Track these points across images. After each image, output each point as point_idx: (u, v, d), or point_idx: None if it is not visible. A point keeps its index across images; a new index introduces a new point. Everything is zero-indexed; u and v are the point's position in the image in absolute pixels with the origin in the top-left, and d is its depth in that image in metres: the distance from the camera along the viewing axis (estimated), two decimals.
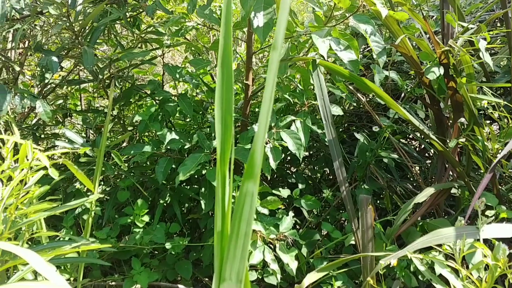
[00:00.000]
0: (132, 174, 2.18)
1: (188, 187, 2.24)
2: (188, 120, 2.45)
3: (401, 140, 2.63)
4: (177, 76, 2.05)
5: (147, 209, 1.98)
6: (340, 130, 2.79)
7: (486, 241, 1.49)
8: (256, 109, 2.58)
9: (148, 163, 2.29)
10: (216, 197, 0.75)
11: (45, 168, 1.22)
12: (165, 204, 2.19)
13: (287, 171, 2.70)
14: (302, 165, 2.86)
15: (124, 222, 1.97)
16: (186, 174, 1.82)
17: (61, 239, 1.83)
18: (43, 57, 1.85)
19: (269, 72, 0.66)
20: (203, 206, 1.99)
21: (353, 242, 1.99)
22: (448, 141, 2.03)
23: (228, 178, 0.74)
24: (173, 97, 2.11)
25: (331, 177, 2.80)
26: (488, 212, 1.65)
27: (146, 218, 1.97)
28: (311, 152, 2.85)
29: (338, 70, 1.81)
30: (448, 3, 2.04)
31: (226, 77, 0.72)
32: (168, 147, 2.01)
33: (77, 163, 2.06)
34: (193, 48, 2.72)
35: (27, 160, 1.15)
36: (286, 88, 2.24)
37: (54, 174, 1.15)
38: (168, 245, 1.94)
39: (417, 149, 2.85)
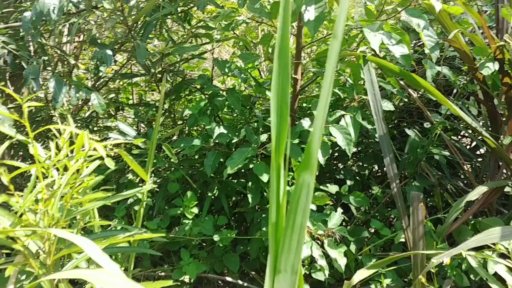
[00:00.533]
0: (181, 166, 2.21)
1: (235, 180, 2.26)
2: (236, 114, 2.47)
3: (452, 137, 2.56)
4: (226, 70, 2.07)
5: (196, 201, 2.01)
6: (390, 126, 2.74)
7: None
8: (304, 104, 2.57)
9: (197, 156, 2.32)
10: (270, 188, 0.75)
11: (100, 158, 1.26)
12: (213, 197, 2.22)
13: (335, 167, 2.68)
14: (350, 161, 2.84)
15: (174, 213, 2.01)
16: (233, 168, 1.83)
17: (113, 229, 1.88)
18: (97, 51, 1.90)
19: (328, 61, 0.66)
20: (250, 200, 2.00)
21: (402, 240, 1.95)
22: (502, 138, 1.96)
23: (283, 170, 0.74)
24: (221, 92, 2.13)
25: (379, 174, 2.76)
26: None
27: (195, 210, 2.00)
28: (360, 148, 2.81)
29: (388, 66, 1.78)
30: None
31: (283, 67, 0.72)
32: (217, 141, 2.03)
33: (130, 155, 2.11)
34: (241, 44, 2.74)
35: (83, 150, 1.19)
36: (336, 82, 2.22)
37: (110, 163, 1.18)
38: (216, 237, 1.97)
39: (469, 146, 2.77)
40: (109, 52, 1.86)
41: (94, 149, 1.19)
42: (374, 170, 2.78)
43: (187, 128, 2.42)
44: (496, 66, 1.76)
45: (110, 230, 1.49)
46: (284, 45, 0.72)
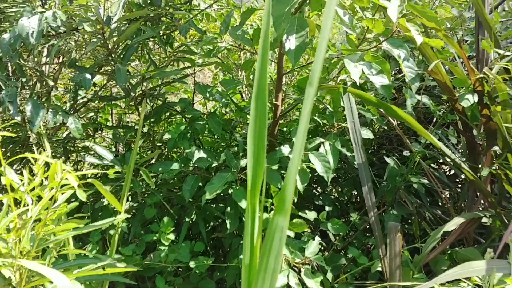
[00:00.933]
0: (159, 191, 2.19)
1: (214, 205, 2.24)
2: (216, 138, 2.46)
3: (431, 165, 2.58)
4: (208, 95, 2.06)
5: (173, 227, 1.98)
6: (370, 152, 2.76)
7: None
8: (284, 128, 2.57)
9: (175, 180, 2.30)
10: (245, 230, 0.74)
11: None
12: (190, 222, 2.19)
13: (314, 191, 2.68)
14: (329, 186, 2.84)
15: (150, 239, 1.97)
16: (212, 193, 1.82)
17: (87, 256, 1.84)
18: (77, 74, 1.88)
19: (304, 108, 0.65)
20: (228, 226, 1.98)
21: (379, 269, 1.95)
22: (480, 168, 1.98)
23: (257, 211, 0.74)
24: (202, 115, 2.12)
25: (358, 200, 2.76)
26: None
27: (172, 236, 1.97)
28: (339, 174, 2.82)
29: (367, 97, 1.79)
30: (484, 28, 2.01)
31: (260, 108, 0.71)
32: (196, 165, 2.02)
33: (106, 178, 2.08)
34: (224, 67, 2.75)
35: (57, 179, 1.16)
36: (315, 109, 2.23)
37: (81, 195, 1.16)
38: (192, 264, 1.94)
39: (448, 174, 2.79)
40: (88, 76, 1.85)
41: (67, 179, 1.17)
42: (353, 195, 2.78)
43: (166, 151, 2.40)
44: (475, 98, 1.79)
45: (84, 258, 1.46)
46: (262, 84, 0.71)
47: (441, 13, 2.85)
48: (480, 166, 2.02)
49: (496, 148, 1.92)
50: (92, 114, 2.68)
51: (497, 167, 1.91)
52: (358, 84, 1.73)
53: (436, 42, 1.61)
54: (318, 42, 0.63)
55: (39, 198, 1.18)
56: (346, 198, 2.70)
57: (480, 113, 1.85)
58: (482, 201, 2.07)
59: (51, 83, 2.09)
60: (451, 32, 2.66)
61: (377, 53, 1.82)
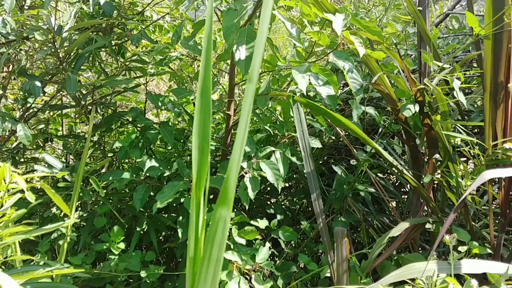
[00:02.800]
0: (110, 200, 2.17)
1: (166, 215, 2.24)
2: (169, 148, 2.47)
3: (378, 174, 2.67)
4: (160, 104, 2.07)
5: (123, 236, 1.97)
6: (320, 162, 2.82)
7: (458, 277, 1.52)
8: None
9: (127, 190, 2.29)
10: (190, 222, 0.76)
11: (22, 191, 1.23)
12: (142, 232, 2.18)
13: (267, 201, 2.72)
14: (281, 196, 2.88)
15: (99, 249, 1.95)
16: (163, 202, 1.82)
17: (35, 263, 1.80)
18: (26, 82, 1.87)
19: (244, 103, 0.69)
20: (179, 235, 1.98)
21: (328, 275, 1.99)
22: (423, 176, 2.07)
23: (202, 204, 0.76)
24: (154, 125, 2.13)
25: (309, 209, 2.82)
26: (460, 248, 1.68)
27: (122, 246, 1.96)
28: (291, 184, 2.87)
29: (314, 106, 1.84)
30: (426, 43, 2.12)
31: (205, 106, 0.75)
32: (147, 174, 2.02)
33: (56, 188, 2.05)
34: (177, 78, 2.77)
35: (5, 182, 1.15)
36: (266, 119, 2.28)
37: (31, 197, 1.15)
38: (143, 274, 1.93)
39: (395, 183, 2.89)
40: (38, 83, 1.83)
41: (15, 182, 1.16)
42: (304, 204, 2.84)
43: (117, 161, 2.39)
44: (417, 108, 1.87)
45: (31, 265, 1.44)
46: (206, 84, 0.75)
47: (387, 30, 2.98)
48: (423, 174, 2.11)
49: (438, 156, 2.01)
50: (42, 125, 2.64)
51: (439, 175, 2.00)
52: (305, 94, 1.79)
53: (377, 54, 1.69)
54: (257, 36, 0.67)
55: None
56: (297, 207, 2.76)
57: (422, 123, 1.94)
58: (426, 208, 2.16)
59: (0, 91, 2.05)
60: (397, 47, 2.78)
61: (325, 66, 1.89)
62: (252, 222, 2.14)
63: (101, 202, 2.10)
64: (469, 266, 1.53)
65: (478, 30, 1.66)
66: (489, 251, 1.75)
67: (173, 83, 3.03)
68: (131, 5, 2.38)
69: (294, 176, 2.73)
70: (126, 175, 1.97)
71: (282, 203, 2.78)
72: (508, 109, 1.69)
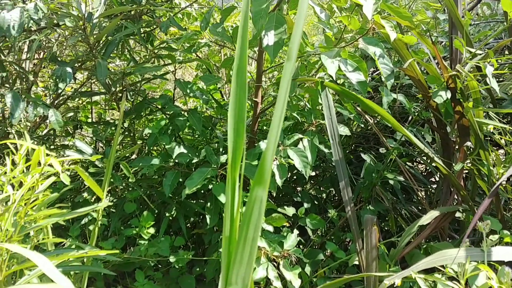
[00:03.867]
0: (139, 186, 2.20)
1: (194, 201, 2.25)
2: (197, 135, 2.48)
3: (407, 163, 2.64)
4: (188, 91, 2.08)
5: (153, 222, 2.00)
6: (348, 151, 2.81)
7: (490, 265, 1.49)
8: (264, 127, 2.61)
9: (156, 176, 2.31)
10: (225, 203, 0.77)
11: (55, 175, 1.25)
12: (171, 218, 2.20)
13: (294, 190, 2.71)
14: (308, 184, 2.88)
15: (129, 234, 1.98)
16: (192, 188, 1.83)
17: (67, 247, 1.84)
18: (57, 68, 1.89)
19: (282, 81, 0.68)
20: (208, 221, 2.00)
21: (357, 263, 1.98)
22: (454, 164, 2.04)
23: (237, 185, 0.76)
24: (183, 112, 2.14)
25: (336, 198, 2.80)
26: (492, 237, 1.66)
27: (152, 231, 1.98)
28: (318, 172, 2.86)
29: (344, 92, 1.83)
30: (457, 29, 2.08)
31: (240, 86, 0.75)
32: (176, 161, 2.03)
33: (87, 173, 2.08)
34: (204, 67, 2.77)
35: (39, 165, 1.17)
36: (294, 107, 2.27)
37: (66, 179, 1.17)
38: (172, 258, 1.95)
39: (424, 172, 2.86)
40: (69, 69, 1.86)
41: (50, 165, 1.18)
42: (331, 193, 2.83)
43: (146, 147, 2.41)
44: (448, 94, 1.84)
45: (64, 248, 1.47)
46: (242, 65, 0.74)
47: (417, 17, 2.93)
48: (453, 162, 2.08)
49: (469, 144, 1.98)
50: (72, 113, 2.69)
51: (470, 163, 1.96)
52: (335, 80, 1.78)
53: (409, 39, 1.66)
54: (298, 10, 0.66)
55: (21, 187, 1.19)
56: (324, 195, 2.75)
57: (453, 110, 1.90)
58: (456, 197, 2.13)
59: (31, 78, 2.09)
60: (426, 35, 2.73)
61: (354, 53, 1.87)
62: (279, 209, 2.15)
63: (131, 188, 2.13)
64: (502, 253, 1.51)
65: None
66: None
67: (200, 72, 3.03)
68: None
69: (321, 164, 2.72)
70: (156, 161, 1.99)
71: (309, 192, 2.78)
72: None
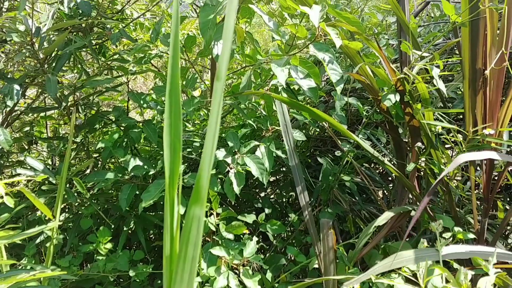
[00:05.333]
0: (97, 201, 2.17)
1: (153, 213, 2.23)
2: (154, 146, 2.46)
3: (365, 164, 2.68)
4: (142, 102, 2.07)
5: (110, 237, 1.97)
6: (307, 154, 2.83)
7: (444, 263, 1.53)
8: (223, 134, 2.61)
9: (113, 190, 2.28)
10: (164, 222, 0.77)
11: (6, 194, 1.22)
12: (130, 232, 2.18)
13: (256, 195, 2.72)
14: (269, 189, 2.89)
15: (86, 250, 1.95)
16: (149, 201, 1.82)
17: (22, 267, 1.80)
18: (5, 85, 1.85)
19: (213, 102, 0.69)
20: None
21: (317, 266, 2.00)
22: (407, 165, 2.08)
23: (176, 203, 0.76)
24: (137, 123, 2.12)
25: (297, 201, 2.82)
26: (445, 235, 1.70)
27: (109, 246, 1.96)
28: (279, 177, 2.88)
29: (291, 102, 1.84)
30: (405, 32, 2.12)
31: (174, 104, 0.75)
32: (132, 174, 2.01)
33: (41, 191, 2.04)
34: (159, 75, 2.75)
35: None
36: (251, 114, 2.28)
37: (10, 202, 1.15)
38: (131, 273, 1.93)
39: (382, 173, 2.91)
40: (17, 87, 1.82)
41: None
42: (292, 197, 2.85)
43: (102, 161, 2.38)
44: (397, 97, 1.88)
45: (17, 270, 1.43)
46: (174, 81, 0.75)
47: (371, 20, 2.99)
48: (407, 162, 2.12)
49: (420, 144, 2.02)
50: (27, 128, 2.63)
51: (424, 162, 2.01)
52: (289, 87, 1.79)
53: (355, 45, 1.69)
54: (223, 32, 0.67)
55: None
56: (285, 200, 2.76)
57: (403, 112, 1.95)
58: (411, 196, 2.18)
59: None
60: (375, 37, 2.78)
61: (307, 59, 1.89)
62: (239, 217, 2.15)
63: (87, 204, 2.09)
64: (455, 251, 1.54)
65: (455, 18, 1.67)
66: (473, 236, 1.77)
67: (159, 80, 3.01)
68: (110, 4, 2.36)
69: (282, 169, 2.74)
70: (110, 175, 1.96)
71: (270, 197, 2.79)
72: (487, 95, 1.70)
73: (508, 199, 2.47)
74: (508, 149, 1.87)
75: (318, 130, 2.67)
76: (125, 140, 2.11)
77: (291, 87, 2.26)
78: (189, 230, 0.72)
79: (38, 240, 2.00)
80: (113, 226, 2.16)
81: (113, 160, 2.63)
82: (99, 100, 2.34)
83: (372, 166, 2.91)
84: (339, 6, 1.81)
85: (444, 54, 2.62)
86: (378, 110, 2.15)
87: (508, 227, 2.61)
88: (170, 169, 0.75)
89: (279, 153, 2.14)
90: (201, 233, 0.72)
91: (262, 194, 2.84)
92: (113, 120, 2.20)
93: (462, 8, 1.69)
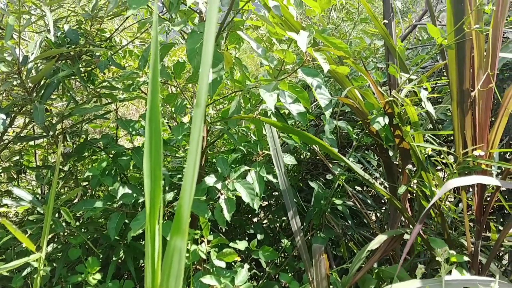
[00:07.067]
0: (86, 230, 2.13)
1: (143, 242, 2.20)
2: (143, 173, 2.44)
3: (357, 187, 2.66)
4: (130, 129, 2.05)
5: (99, 267, 1.93)
6: (299, 178, 2.81)
7: None
8: (214, 160, 2.59)
9: (102, 219, 2.25)
10: (146, 253, 0.74)
11: None
12: (120, 261, 2.14)
13: (248, 221, 2.69)
14: (262, 214, 2.86)
15: (75, 281, 1.91)
16: (138, 229, 1.79)
17: None
18: None
19: (193, 129, 0.67)
20: None
21: None
22: (398, 187, 2.07)
23: (157, 234, 0.74)
24: (126, 151, 2.10)
25: (290, 226, 2.80)
26: (438, 258, 1.67)
27: (98, 276, 1.91)
28: (271, 201, 2.86)
29: (281, 126, 1.84)
30: (393, 55, 2.14)
31: (154, 131, 0.73)
32: (121, 202, 1.98)
33: (30, 221, 2.01)
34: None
35: None
36: (241, 138, 2.27)
37: None
38: None
39: (374, 195, 2.89)
40: (3, 116, 1.80)
41: None
42: (285, 222, 2.82)
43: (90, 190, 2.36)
44: (386, 120, 1.88)
45: None
46: (154, 108, 0.73)
47: (362, 45, 3.01)
48: (398, 185, 2.11)
49: (410, 166, 2.01)
50: (17, 157, 2.61)
51: (415, 185, 2.00)
52: (279, 112, 1.79)
53: (342, 69, 1.69)
54: (202, 58, 0.66)
55: None
56: (277, 225, 2.74)
57: (392, 134, 1.94)
58: (403, 218, 2.16)
59: None
60: (362, 61, 2.80)
61: (296, 83, 1.89)
62: (231, 244, 2.12)
63: (76, 233, 2.06)
64: (457, 279, 1.52)
65: (441, 41, 1.68)
66: (467, 259, 1.74)
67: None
68: (98, 32, 2.37)
69: (274, 193, 2.72)
70: (99, 204, 1.93)
71: (263, 222, 2.76)
72: (476, 116, 1.70)
73: (501, 220, 2.46)
74: (498, 171, 1.86)
75: (309, 154, 2.66)
76: (114, 168, 2.08)
77: (281, 111, 2.25)
78: (170, 262, 0.70)
79: (25, 272, 1.96)
80: (101, 256, 2.12)
81: (103, 188, 2.61)
82: (88, 128, 2.33)
83: (364, 189, 2.90)
84: (326, 31, 1.81)
85: (433, 76, 2.63)
86: (368, 133, 2.15)
87: (502, 248, 2.59)
88: (151, 199, 0.73)
89: (270, 177, 2.12)
90: (183, 265, 0.70)
91: (255, 219, 2.81)
92: (102, 148, 2.18)
93: (447, 30, 1.70)
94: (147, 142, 0.73)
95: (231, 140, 2.26)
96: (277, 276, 2.34)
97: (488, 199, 1.88)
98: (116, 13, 2.21)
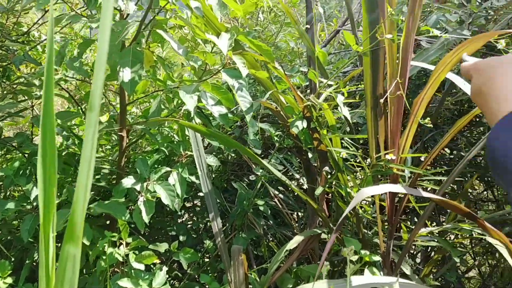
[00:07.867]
0: None
1: (60, 244, 2.13)
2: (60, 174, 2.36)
3: (279, 187, 2.70)
4: None
5: (11, 270, 1.85)
6: (225, 179, 2.82)
7: None
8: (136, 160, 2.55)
9: (17, 220, 2.16)
10: (39, 261, 0.73)
11: None
12: (34, 264, 2.06)
13: (169, 223, 2.67)
14: (187, 215, 2.85)
15: None
16: (27, 235, 1.74)
17: None
18: None
19: (87, 133, 0.66)
20: None
21: None
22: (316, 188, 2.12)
23: (51, 240, 0.72)
24: None
25: None
26: (352, 257, 1.74)
27: (9, 280, 1.83)
28: (196, 202, 2.85)
29: (197, 129, 1.84)
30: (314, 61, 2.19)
31: (49, 133, 0.71)
32: (36, 203, 1.91)
33: None
34: (77, 97, 2.66)
35: None
36: (165, 139, 2.25)
37: None
38: None
39: (296, 196, 2.95)
40: None
41: None
42: (209, 223, 2.82)
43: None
44: (304, 124, 1.92)
45: None
46: (48, 110, 0.71)
47: (288, 48, 3.06)
48: (317, 186, 2.17)
49: (327, 168, 2.07)
50: None
51: (333, 186, 2.06)
52: (193, 113, 1.78)
53: (262, 74, 1.72)
54: (95, 67, 0.65)
55: None
56: (201, 225, 2.73)
57: (312, 137, 1.99)
58: (321, 218, 2.22)
59: None
60: (281, 65, 2.84)
61: (221, 85, 1.90)
62: (151, 246, 2.09)
63: None
64: (363, 282, 1.57)
65: (356, 48, 1.74)
66: (379, 258, 1.82)
67: (71, 104, 2.91)
68: (15, 26, 2.27)
69: (199, 194, 2.71)
70: (11, 205, 1.86)
71: (188, 223, 2.75)
72: (388, 122, 1.78)
73: (415, 220, 2.58)
74: (409, 175, 1.95)
75: (233, 154, 2.67)
76: (29, 167, 2.00)
77: (206, 112, 2.25)
78: (63, 269, 0.69)
79: None
80: (13, 259, 2.04)
81: (19, 188, 2.50)
82: (1, 125, 2.22)
83: (288, 189, 2.95)
84: (251, 33, 1.83)
85: (353, 81, 2.72)
86: (289, 136, 2.19)
87: (416, 247, 2.73)
88: (45, 203, 0.71)
89: (193, 178, 2.12)
90: (77, 273, 0.69)
91: (180, 220, 2.79)
92: (16, 147, 2.09)
93: (363, 38, 1.77)
94: (41, 144, 0.71)
95: (153, 140, 2.23)
96: (198, 277, 2.34)
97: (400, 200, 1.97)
98: (31, 8, 2.12)
